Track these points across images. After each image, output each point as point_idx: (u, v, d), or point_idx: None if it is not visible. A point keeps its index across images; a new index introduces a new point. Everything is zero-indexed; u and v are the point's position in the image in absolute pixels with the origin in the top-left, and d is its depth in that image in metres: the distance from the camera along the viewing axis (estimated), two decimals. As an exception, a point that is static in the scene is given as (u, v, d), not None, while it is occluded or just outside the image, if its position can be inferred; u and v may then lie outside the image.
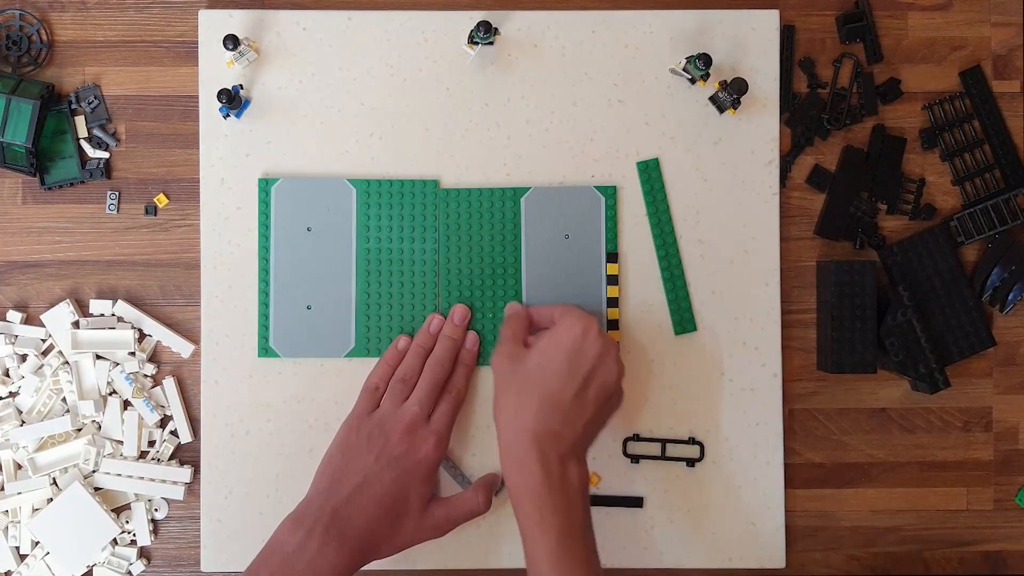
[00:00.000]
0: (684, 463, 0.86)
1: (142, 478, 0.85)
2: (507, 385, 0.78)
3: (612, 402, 0.80)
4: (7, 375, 0.86)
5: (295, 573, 0.73)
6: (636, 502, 0.86)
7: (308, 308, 0.86)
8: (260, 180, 0.86)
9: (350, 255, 0.86)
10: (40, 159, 0.86)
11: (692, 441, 0.86)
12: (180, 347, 0.87)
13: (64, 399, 0.86)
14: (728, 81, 0.84)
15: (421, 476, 0.79)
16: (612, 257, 0.86)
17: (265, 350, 0.86)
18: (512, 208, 0.86)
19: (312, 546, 0.74)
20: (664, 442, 0.86)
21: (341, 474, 0.78)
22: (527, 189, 0.86)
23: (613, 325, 0.86)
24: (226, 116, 0.86)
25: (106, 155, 0.87)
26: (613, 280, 0.86)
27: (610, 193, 0.86)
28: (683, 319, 0.86)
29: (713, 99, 0.86)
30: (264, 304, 0.86)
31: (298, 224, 0.86)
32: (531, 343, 0.80)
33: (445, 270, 0.86)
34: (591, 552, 0.74)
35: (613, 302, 0.86)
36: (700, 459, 0.86)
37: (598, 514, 0.86)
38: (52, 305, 0.86)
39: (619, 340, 0.86)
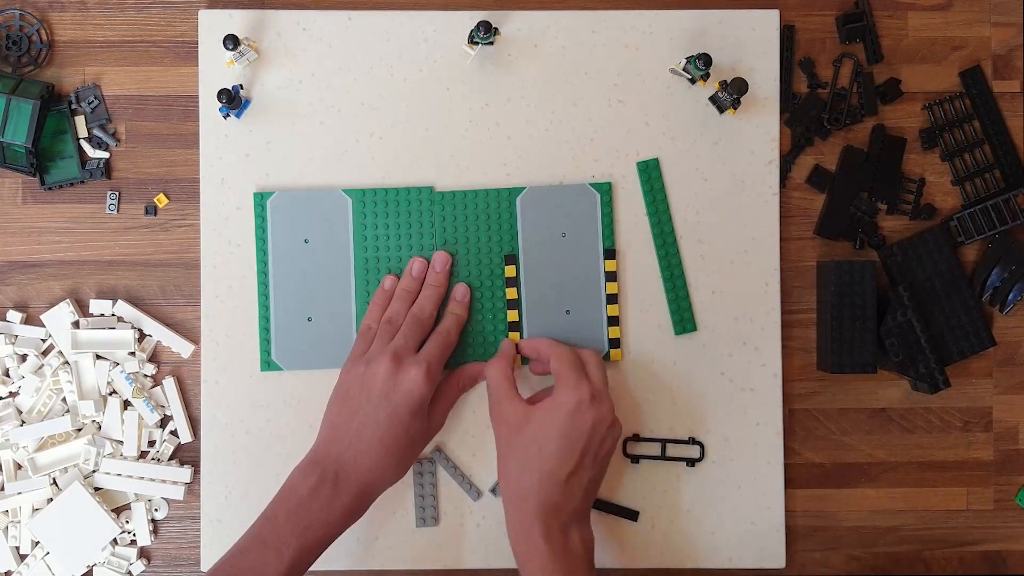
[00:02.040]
0: (684, 463, 0.86)
1: (142, 478, 0.85)
2: (507, 452, 0.80)
3: (609, 449, 0.81)
4: (7, 375, 0.86)
5: (310, 514, 0.76)
6: (632, 515, 0.86)
7: (309, 320, 0.86)
8: (255, 194, 0.86)
9: (349, 265, 0.86)
10: (40, 159, 0.86)
11: (692, 441, 0.86)
12: (180, 347, 0.87)
13: (64, 399, 0.86)
14: (728, 81, 0.84)
15: (412, 410, 0.79)
16: (610, 254, 0.86)
17: (268, 363, 0.86)
18: (508, 208, 0.86)
19: (324, 489, 0.77)
20: (664, 442, 0.86)
21: (340, 420, 0.80)
22: (522, 189, 0.86)
23: (613, 321, 0.86)
24: (226, 116, 0.86)
25: (106, 155, 0.87)
26: (612, 277, 0.86)
27: (605, 190, 0.86)
28: (683, 319, 0.86)
29: (713, 99, 0.86)
30: (265, 318, 0.86)
31: (295, 237, 0.86)
32: (533, 402, 0.81)
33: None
34: None
35: (612, 299, 0.86)
36: (700, 459, 0.86)
37: (597, 515, 0.86)
38: (52, 305, 0.86)
39: (619, 338, 0.86)
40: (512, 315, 0.86)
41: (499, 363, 0.83)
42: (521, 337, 0.86)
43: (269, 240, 0.86)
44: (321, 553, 0.77)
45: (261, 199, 0.86)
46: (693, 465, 0.86)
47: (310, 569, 0.85)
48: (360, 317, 0.86)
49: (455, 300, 0.85)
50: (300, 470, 0.79)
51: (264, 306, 0.86)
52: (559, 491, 0.77)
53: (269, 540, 0.76)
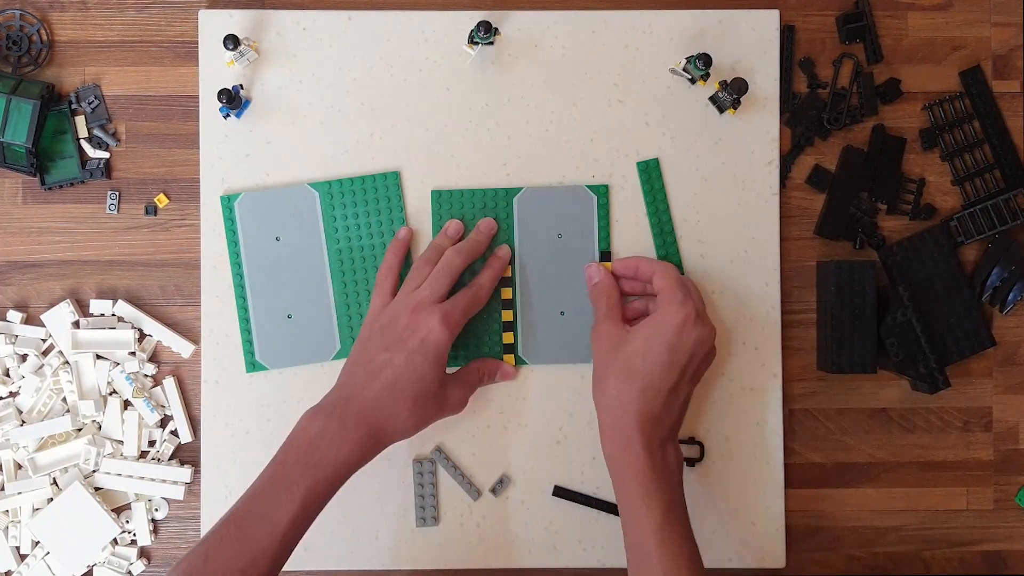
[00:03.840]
0: (684, 463, 0.86)
1: (142, 478, 0.85)
2: (607, 367, 0.79)
3: (703, 371, 0.82)
4: (7, 375, 0.86)
5: (319, 452, 0.76)
6: None
7: (289, 317, 0.86)
8: (222, 198, 0.86)
9: (322, 258, 0.86)
10: (40, 159, 0.87)
11: (692, 441, 0.86)
12: (180, 347, 0.87)
13: (64, 399, 0.86)
14: (728, 81, 0.84)
15: (431, 358, 0.78)
16: (605, 256, 0.86)
17: (252, 364, 0.86)
18: (505, 208, 0.86)
19: (332, 428, 0.76)
20: None
21: (356, 366, 0.80)
22: (519, 189, 0.86)
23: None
24: (226, 116, 0.86)
25: (106, 155, 0.87)
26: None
27: (602, 192, 0.86)
28: (683, 319, 0.87)
29: (713, 99, 0.86)
30: (244, 320, 0.86)
31: (266, 236, 0.86)
32: (630, 321, 0.82)
33: (442, 271, 0.86)
34: (690, 529, 0.78)
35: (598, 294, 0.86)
36: (700, 459, 0.86)
37: (597, 514, 0.86)
38: (52, 305, 0.86)
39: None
40: (507, 315, 0.86)
41: (606, 289, 0.83)
42: (515, 340, 0.86)
43: (241, 242, 0.86)
44: (333, 493, 0.76)
45: (228, 202, 0.86)
46: (693, 465, 0.86)
47: (308, 568, 0.86)
48: (339, 309, 0.86)
49: (496, 256, 0.85)
50: (309, 413, 0.78)
51: (243, 308, 0.86)
52: (660, 403, 0.77)
53: (280, 481, 0.75)
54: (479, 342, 0.86)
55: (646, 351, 0.78)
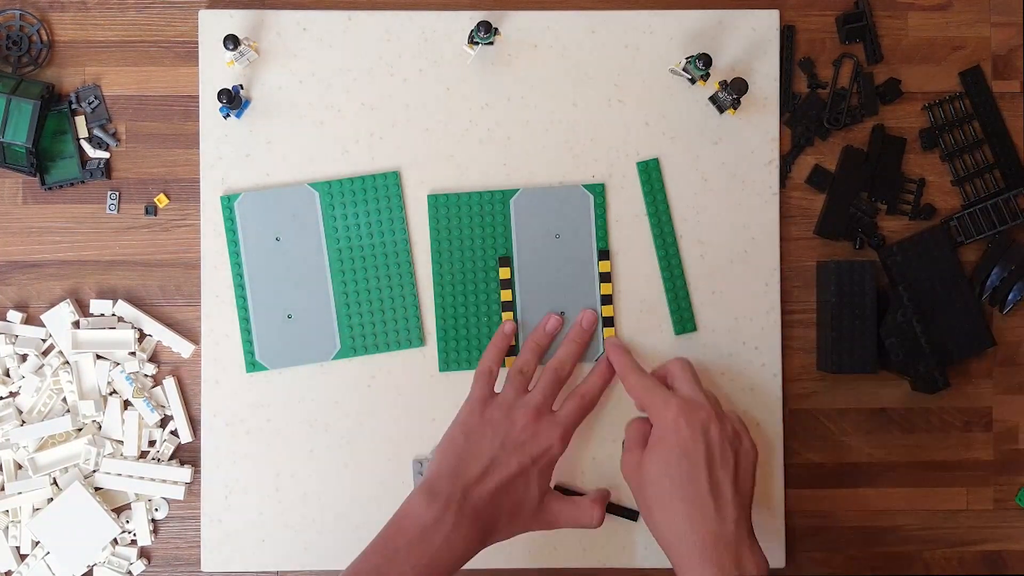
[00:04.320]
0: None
1: (142, 478, 0.85)
2: (646, 501, 0.77)
3: (736, 449, 0.77)
4: (7, 375, 0.86)
5: (433, 546, 0.74)
6: (632, 515, 0.86)
7: (289, 317, 0.86)
8: (222, 198, 0.86)
9: (322, 258, 0.86)
10: (40, 159, 0.87)
11: None
12: (180, 347, 0.87)
13: (64, 399, 0.86)
14: (728, 81, 0.84)
15: (543, 466, 0.79)
16: (604, 255, 0.86)
17: (252, 364, 0.86)
18: (502, 210, 0.86)
19: (448, 521, 0.75)
20: None
21: (468, 455, 0.78)
22: (516, 191, 0.86)
23: (607, 322, 0.86)
24: (226, 116, 0.86)
25: (106, 155, 0.87)
26: (606, 277, 0.86)
27: (599, 191, 0.86)
28: (683, 319, 0.86)
29: (713, 99, 0.86)
30: (244, 320, 0.86)
31: (266, 236, 0.86)
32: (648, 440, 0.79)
33: (438, 275, 0.86)
34: None
35: (607, 299, 0.86)
36: None
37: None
38: (52, 305, 0.86)
39: (615, 338, 0.86)
40: (507, 316, 0.86)
41: (629, 426, 0.81)
42: (516, 342, 0.86)
43: (240, 242, 0.86)
44: None
45: (228, 202, 0.86)
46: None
47: (309, 568, 0.86)
48: (339, 309, 0.86)
49: (603, 360, 0.84)
50: (420, 496, 0.75)
51: (243, 308, 0.86)
52: (712, 517, 0.73)
53: (386, 573, 0.73)
54: (481, 345, 0.86)
55: (667, 471, 0.75)
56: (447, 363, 0.86)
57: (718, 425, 0.77)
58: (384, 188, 0.86)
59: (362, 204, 0.86)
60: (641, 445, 0.78)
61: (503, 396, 0.81)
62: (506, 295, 0.86)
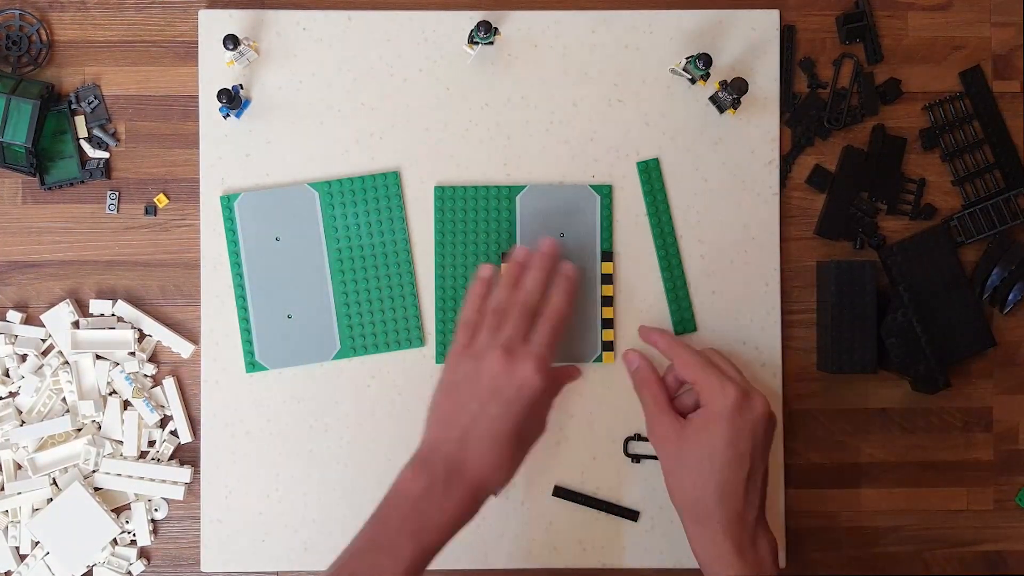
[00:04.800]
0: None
1: (142, 478, 0.85)
2: (678, 468, 0.78)
3: (770, 440, 0.80)
4: (7, 375, 0.86)
5: (425, 517, 0.73)
6: (632, 515, 0.86)
7: (288, 317, 0.86)
8: (222, 198, 0.86)
9: (322, 258, 0.86)
10: (40, 159, 0.86)
11: None
12: (180, 347, 0.87)
13: (64, 399, 0.86)
14: (728, 81, 0.84)
15: (525, 406, 0.75)
16: (607, 256, 0.86)
17: (252, 365, 0.86)
18: (508, 207, 0.86)
19: (437, 490, 0.74)
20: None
21: (449, 416, 0.76)
22: (522, 187, 0.86)
23: (607, 324, 0.86)
24: (226, 116, 0.86)
25: (106, 155, 0.87)
26: (608, 279, 0.86)
27: (605, 192, 0.86)
28: (683, 319, 0.87)
29: (713, 99, 0.86)
30: (244, 320, 0.86)
31: (266, 236, 0.86)
32: (682, 410, 0.80)
33: (440, 268, 0.86)
34: None
35: (608, 301, 0.86)
36: None
37: (597, 514, 0.86)
38: (52, 305, 0.86)
39: (614, 339, 0.86)
40: None
41: (648, 380, 0.82)
42: None
43: (240, 242, 0.86)
44: (436, 554, 0.74)
45: (228, 201, 0.86)
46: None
47: (309, 569, 0.86)
48: (339, 309, 0.86)
49: (562, 275, 0.80)
50: (409, 470, 0.75)
51: (243, 308, 0.86)
52: (741, 500, 0.76)
53: (383, 545, 0.73)
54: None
55: (712, 453, 0.76)
56: (445, 356, 0.86)
57: (767, 422, 0.78)
58: (384, 188, 0.86)
59: (362, 204, 0.86)
60: (669, 412, 0.79)
61: (477, 343, 0.78)
62: None
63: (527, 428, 0.76)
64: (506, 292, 0.79)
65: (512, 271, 0.80)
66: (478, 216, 0.86)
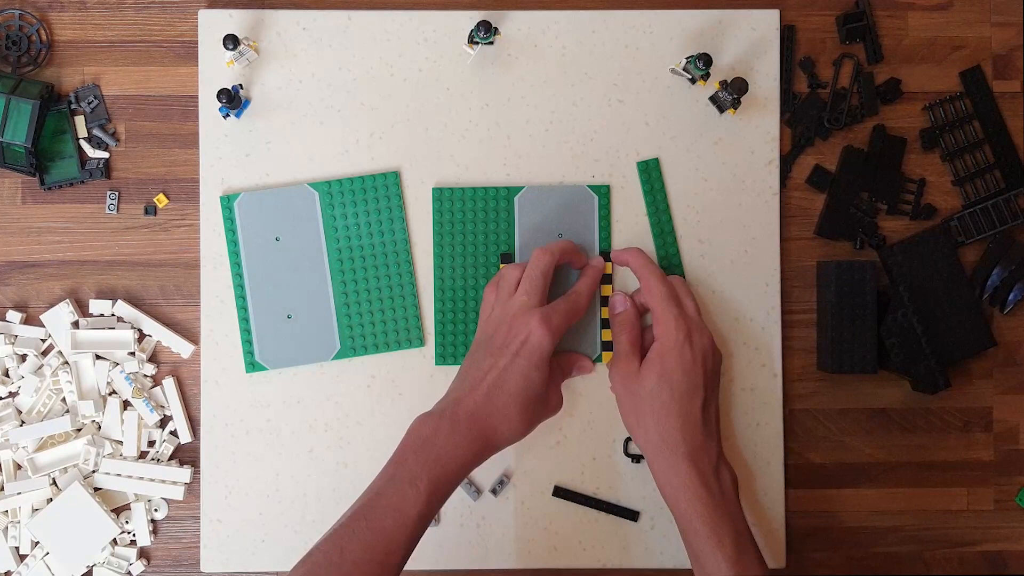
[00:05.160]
0: None
1: (142, 478, 0.85)
2: (638, 408, 0.81)
3: (718, 372, 0.84)
4: (7, 375, 0.86)
5: (437, 450, 0.76)
6: (632, 515, 0.86)
7: (288, 317, 0.86)
8: (221, 198, 0.86)
9: (322, 258, 0.86)
10: (40, 159, 0.86)
11: None
12: (180, 347, 0.87)
13: (64, 399, 0.86)
14: (728, 81, 0.84)
15: (535, 359, 0.78)
16: (605, 256, 0.86)
17: (252, 365, 0.86)
18: (506, 207, 0.86)
19: (444, 429, 0.77)
20: None
21: (466, 373, 0.80)
22: (520, 188, 0.86)
23: (606, 324, 0.86)
24: (226, 116, 0.86)
25: (106, 155, 0.87)
26: (607, 279, 0.86)
27: (603, 192, 0.86)
28: (683, 319, 0.87)
29: (713, 99, 0.86)
30: (244, 320, 0.86)
31: (266, 236, 0.86)
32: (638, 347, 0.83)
33: (439, 269, 0.86)
34: (759, 552, 0.79)
35: (606, 301, 0.86)
36: None
37: (597, 514, 0.86)
38: (52, 305, 0.86)
39: (612, 340, 0.86)
40: None
41: (628, 324, 0.84)
42: None
43: (240, 242, 0.86)
44: (453, 489, 0.77)
45: (228, 202, 0.86)
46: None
47: (310, 569, 0.86)
48: (339, 309, 0.86)
49: (591, 265, 0.85)
50: (420, 418, 0.79)
51: (243, 308, 0.86)
52: (701, 429, 0.79)
53: (403, 478, 0.75)
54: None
55: (668, 384, 0.79)
56: (444, 356, 0.86)
57: (715, 354, 0.82)
58: (384, 188, 0.86)
59: (362, 204, 0.86)
60: (636, 356, 0.82)
61: (493, 310, 0.82)
62: None
63: (537, 382, 0.79)
64: (516, 266, 0.83)
65: (545, 250, 0.84)
66: (476, 217, 0.86)
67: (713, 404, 0.81)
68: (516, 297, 0.81)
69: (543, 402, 0.81)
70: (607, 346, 0.86)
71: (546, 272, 0.82)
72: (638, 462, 0.86)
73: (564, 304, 0.81)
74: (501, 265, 0.86)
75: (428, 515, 0.75)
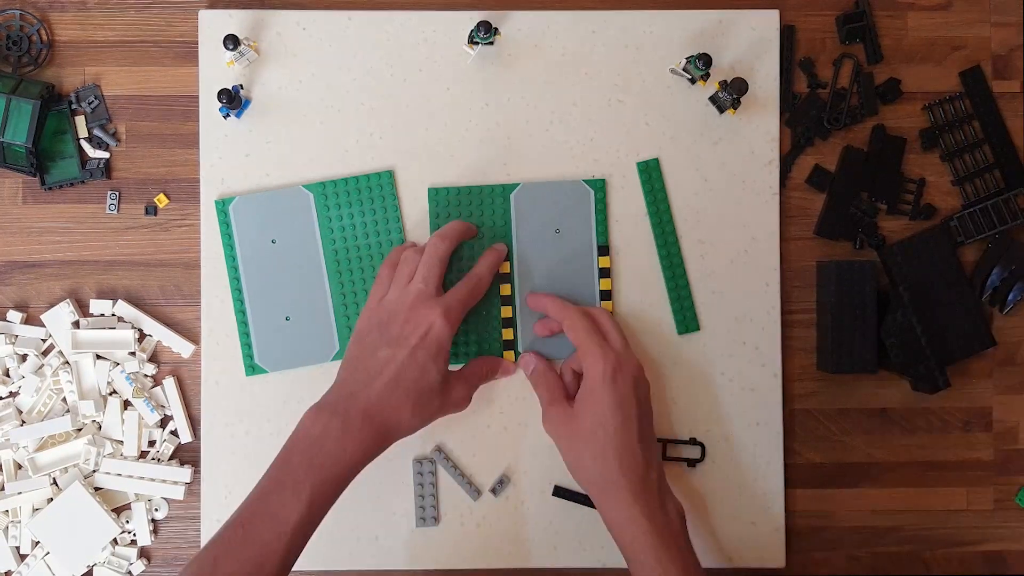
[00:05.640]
0: (685, 463, 0.86)
1: (142, 478, 0.85)
2: (575, 446, 0.80)
3: (648, 400, 0.82)
4: (7, 375, 0.86)
5: (324, 452, 0.75)
6: None
7: (287, 319, 0.86)
8: (216, 202, 0.86)
9: (319, 259, 0.86)
10: (40, 159, 0.87)
11: (693, 442, 0.86)
12: (180, 347, 0.87)
13: (64, 399, 0.86)
14: (728, 81, 0.84)
15: (433, 353, 0.77)
16: (603, 250, 0.86)
17: (252, 367, 0.86)
18: (502, 205, 0.86)
19: (336, 427, 0.75)
20: (665, 442, 0.86)
21: (357, 362, 0.79)
22: (516, 185, 0.86)
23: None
24: (226, 116, 0.86)
25: (106, 155, 0.87)
26: (605, 273, 0.86)
27: (599, 186, 0.86)
28: (686, 318, 0.87)
29: (713, 99, 0.86)
30: (243, 323, 0.86)
31: (262, 239, 0.86)
32: (571, 394, 0.83)
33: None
34: None
35: (606, 295, 0.86)
36: (701, 459, 0.86)
37: (597, 514, 0.86)
38: (52, 305, 0.86)
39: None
40: (506, 311, 0.86)
41: (543, 378, 0.83)
42: (515, 336, 0.86)
43: (236, 246, 0.86)
44: (339, 493, 0.76)
45: (223, 205, 0.86)
46: (694, 466, 0.86)
47: (309, 569, 0.86)
48: (337, 310, 0.86)
49: (492, 248, 0.84)
50: (311, 411, 0.77)
51: (241, 311, 0.86)
52: (641, 461, 0.78)
53: (285, 482, 0.74)
54: (479, 339, 0.86)
55: (602, 421, 0.78)
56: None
57: (645, 382, 0.81)
58: (379, 188, 0.86)
59: (357, 204, 0.86)
60: (565, 399, 0.82)
61: (389, 294, 0.81)
62: (505, 289, 0.86)
63: (435, 375, 0.78)
64: (415, 251, 0.82)
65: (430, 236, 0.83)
66: (473, 216, 0.86)
67: (648, 432, 0.80)
68: (414, 284, 0.79)
69: (442, 397, 0.79)
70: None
71: (443, 259, 0.81)
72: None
73: (463, 290, 0.80)
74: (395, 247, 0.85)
75: (310, 523, 0.74)
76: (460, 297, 0.80)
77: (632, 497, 0.77)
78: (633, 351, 0.82)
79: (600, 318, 0.83)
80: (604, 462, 0.78)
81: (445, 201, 0.86)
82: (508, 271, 0.86)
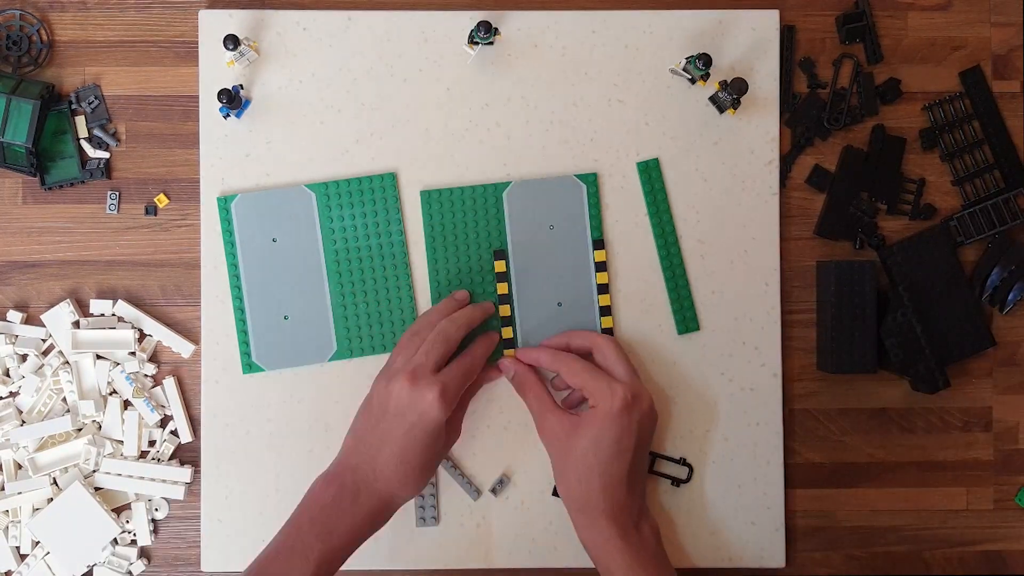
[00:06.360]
0: (670, 481, 0.86)
1: (142, 478, 0.85)
2: (566, 464, 0.80)
3: (652, 435, 0.83)
4: (7, 375, 0.86)
5: (333, 520, 0.77)
6: None
7: (285, 318, 0.86)
8: (219, 199, 0.86)
9: (319, 259, 0.86)
10: (40, 159, 0.87)
11: (683, 462, 0.86)
12: (180, 347, 0.87)
13: (64, 399, 0.86)
14: (728, 81, 0.84)
15: (430, 431, 0.78)
16: (598, 244, 0.86)
17: (249, 366, 0.86)
18: (495, 203, 0.86)
19: (345, 498, 0.78)
20: (655, 456, 0.86)
21: (362, 433, 0.80)
22: (508, 184, 0.86)
23: (605, 311, 0.86)
24: (226, 116, 0.86)
25: (106, 155, 0.87)
26: (602, 267, 0.86)
27: (591, 181, 0.86)
28: (686, 318, 0.87)
29: (713, 99, 0.86)
30: (241, 321, 0.86)
31: (263, 237, 0.86)
32: (570, 406, 0.84)
33: (433, 271, 0.86)
34: None
35: (603, 288, 0.86)
36: (687, 481, 0.86)
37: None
38: (52, 305, 0.86)
39: (612, 328, 0.86)
40: (504, 310, 0.86)
41: (527, 382, 0.84)
42: (514, 334, 0.86)
43: (237, 243, 0.86)
44: (346, 559, 0.78)
45: (225, 203, 0.86)
46: (678, 485, 0.86)
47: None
48: (336, 310, 0.86)
49: (487, 335, 0.85)
50: (322, 479, 0.79)
51: (239, 309, 0.86)
52: (624, 489, 0.79)
53: (294, 547, 0.76)
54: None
55: (597, 448, 0.79)
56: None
57: (651, 420, 0.81)
58: (381, 189, 0.86)
59: (359, 205, 0.86)
60: (557, 409, 0.82)
61: (395, 367, 0.80)
62: (502, 288, 0.86)
63: (432, 449, 0.79)
64: (433, 316, 0.83)
65: (443, 305, 0.84)
66: (466, 216, 0.86)
67: (641, 465, 0.81)
68: (416, 357, 0.79)
69: (440, 454, 0.81)
70: (606, 332, 0.86)
71: (449, 340, 0.80)
72: None
73: (460, 370, 0.80)
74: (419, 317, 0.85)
75: None
76: (457, 378, 0.80)
77: (608, 519, 0.78)
78: (641, 380, 0.82)
79: (604, 348, 0.83)
80: (588, 486, 0.79)
81: (438, 203, 0.86)
82: (504, 269, 0.86)
